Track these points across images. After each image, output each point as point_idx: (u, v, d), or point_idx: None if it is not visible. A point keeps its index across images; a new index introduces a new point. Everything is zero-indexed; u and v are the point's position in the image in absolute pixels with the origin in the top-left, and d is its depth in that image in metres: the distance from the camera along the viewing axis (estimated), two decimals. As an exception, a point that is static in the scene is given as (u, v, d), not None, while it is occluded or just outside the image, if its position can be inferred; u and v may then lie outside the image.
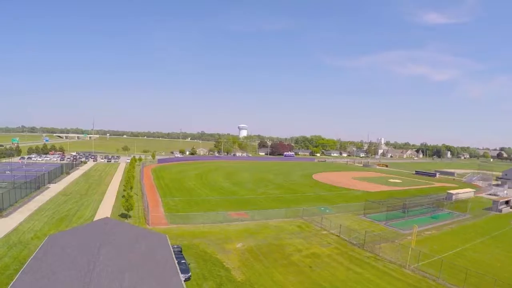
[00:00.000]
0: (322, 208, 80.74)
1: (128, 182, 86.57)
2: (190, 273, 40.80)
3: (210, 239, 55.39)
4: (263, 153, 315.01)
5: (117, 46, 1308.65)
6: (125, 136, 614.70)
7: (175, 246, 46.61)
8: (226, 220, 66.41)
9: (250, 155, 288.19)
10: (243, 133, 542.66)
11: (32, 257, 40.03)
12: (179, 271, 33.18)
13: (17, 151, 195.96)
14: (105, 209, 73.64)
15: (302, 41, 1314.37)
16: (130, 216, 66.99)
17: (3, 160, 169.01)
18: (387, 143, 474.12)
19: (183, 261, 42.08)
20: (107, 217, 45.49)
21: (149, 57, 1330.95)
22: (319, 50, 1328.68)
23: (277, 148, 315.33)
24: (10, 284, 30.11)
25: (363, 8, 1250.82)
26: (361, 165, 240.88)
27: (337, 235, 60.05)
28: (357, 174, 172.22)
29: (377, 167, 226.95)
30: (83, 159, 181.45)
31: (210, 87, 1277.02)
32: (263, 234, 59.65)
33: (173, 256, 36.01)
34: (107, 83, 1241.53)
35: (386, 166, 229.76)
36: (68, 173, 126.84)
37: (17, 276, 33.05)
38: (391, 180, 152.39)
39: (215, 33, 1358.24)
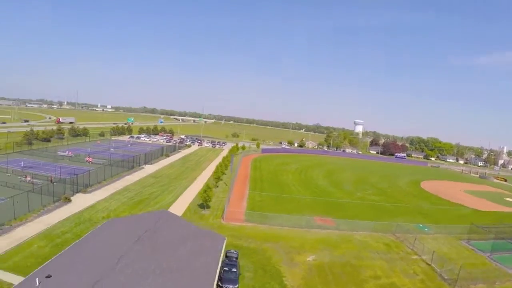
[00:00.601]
0: (420, 226, 71.32)
1: (217, 171, 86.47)
2: (237, 285, 36.57)
3: (282, 245, 51.21)
4: (374, 152, 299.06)
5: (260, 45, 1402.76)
6: (238, 123, 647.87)
7: (232, 251, 43.15)
8: (308, 225, 60.85)
9: (360, 152, 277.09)
10: (358, 129, 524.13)
11: (81, 238, 40.80)
12: (216, 282, 28.81)
13: (129, 130, 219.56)
14: (187, 196, 74.27)
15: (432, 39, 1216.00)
16: (208, 207, 65.91)
17: (114, 138, 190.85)
18: (509, 153, 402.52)
19: (234, 269, 37.78)
20: (164, 210, 44.80)
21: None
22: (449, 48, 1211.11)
23: (388, 148, 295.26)
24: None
25: None
26: (477, 175, 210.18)
27: (428, 264, 52.31)
28: (470, 187, 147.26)
29: (495, 180, 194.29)
30: (188, 143, 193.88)
31: (333, 79, 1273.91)
32: (343, 248, 52.91)
33: (219, 263, 32.07)
34: (237, 71, 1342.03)
35: (505, 180, 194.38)
36: (167, 156, 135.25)
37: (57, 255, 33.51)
38: (508, 199, 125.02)
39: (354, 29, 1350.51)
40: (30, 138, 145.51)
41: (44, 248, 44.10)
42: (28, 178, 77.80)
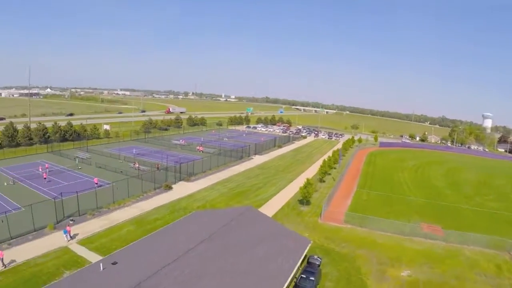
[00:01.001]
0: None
1: (324, 165, 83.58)
2: None
3: (377, 254, 45.82)
4: (502, 150, 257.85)
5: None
6: (361, 114, 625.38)
7: (315, 257, 39.94)
8: (412, 233, 53.56)
9: (487, 150, 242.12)
10: (487, 123, 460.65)
11: (162, 228, 42.56)
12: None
13: (246, 120, 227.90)
14: (290, 190, 73.25)
15: None
16: (308, 204, 63.85)
17: (230, 128, 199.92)
18: None
19: (312, 278, 34.69)
20: (250, 207, 43.97)
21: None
22: None
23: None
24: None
25: None
26: None
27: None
28: None
29: None
30: (303, 134, 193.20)
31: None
32: (445, 265, 44.89)
33: (294, 269, 29.70)
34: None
35: None
36: (280, 146, 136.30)
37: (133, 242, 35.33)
38: None
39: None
40: (148, 127, 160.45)
41: (133, 233, 47.23)
42: (137, 165, 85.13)
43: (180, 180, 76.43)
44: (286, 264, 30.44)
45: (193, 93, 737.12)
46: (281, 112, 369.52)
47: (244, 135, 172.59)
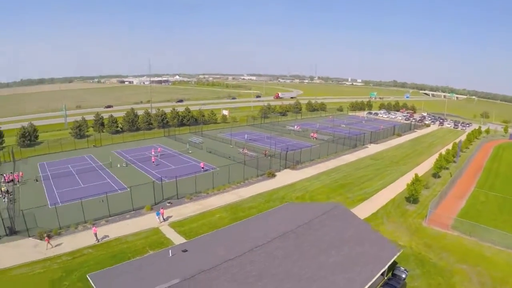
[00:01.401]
0: None
1: (440, 159, 74.49)
2: None
3: (480, 271, 37.26)
4: None
5: None
6: (495, 100, 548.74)
7: (401, 269, 34.40)
8: None
9: None
10: None
11: (247, 218, 41.64)
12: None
13: (368, 106, 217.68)
14: (399, 185, 66.79)
15: None
16: (416, 202, 57.42)
17: (350, 113, 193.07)
18: None
19: None
20: (338, 204, 39.69)
21: None
22: None
23: None
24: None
25: None
26: None
27: None
28: None
29: None
30: (427, 121, 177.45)
31: None
32: None
33: (371, 281, 25.98)
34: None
35: None
36: (399, 135, 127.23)
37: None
38: None
39: None
40: (266, 112, 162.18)
41: (223, 220, 47.57)
42: (245, 151, 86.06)
43: (286, 167, 75.25)
44: (363, 275, 26.69)
45: (318, 77, 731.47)
46: (407, 97, 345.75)
47: (364, 121, 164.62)
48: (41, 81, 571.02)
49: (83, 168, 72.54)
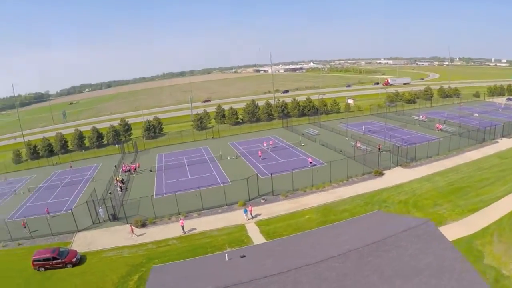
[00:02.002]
0: None
1: None
2: None
3: None
4: None
5: None
6: None
7: None
8: None
9: None
10: None
11: (331, 224, 40.00)
12: None
13: (509, 91, 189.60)
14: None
15: None
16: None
17: (488, 99, 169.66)
18: None
19: None
20: (428, 221, 30.11)
21: None
22: None
23: None
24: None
25: None
26: None
27: None
28: None
29: None
30: None
31: None
32: None
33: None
34: None
35: None
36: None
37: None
38: None
39: None
40: (393, 99, 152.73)
41: (311, 222, 46.85)
42: (358, 144, 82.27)
43: (398, 165, 70.01)
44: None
45: (459, 59, 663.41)
46: None
47: (500, 109, 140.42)
48: (181, 74, 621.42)
49: (195, 160, 78.04)
